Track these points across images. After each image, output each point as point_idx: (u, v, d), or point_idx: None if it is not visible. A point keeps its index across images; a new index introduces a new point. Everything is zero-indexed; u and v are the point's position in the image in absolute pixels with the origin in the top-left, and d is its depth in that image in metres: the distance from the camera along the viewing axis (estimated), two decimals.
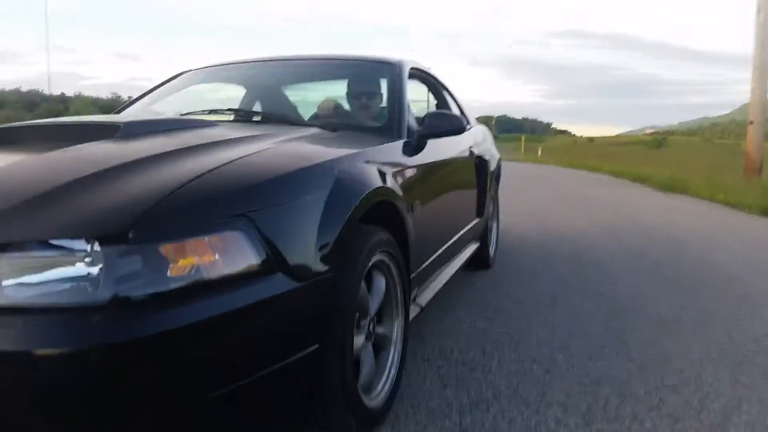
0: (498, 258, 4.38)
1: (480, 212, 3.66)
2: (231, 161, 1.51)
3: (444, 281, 2.88)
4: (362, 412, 1.72)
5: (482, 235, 3.88)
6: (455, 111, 3.76)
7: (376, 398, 1.88)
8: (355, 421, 1.69)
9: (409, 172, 2.29)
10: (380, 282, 1.96)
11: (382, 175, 1.96)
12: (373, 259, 1.85)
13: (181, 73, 3.21)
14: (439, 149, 2.81)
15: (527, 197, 9.15)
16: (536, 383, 2.27)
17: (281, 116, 2.50)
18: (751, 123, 11.73)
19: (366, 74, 2.96)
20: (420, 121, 2.66)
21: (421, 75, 3.43)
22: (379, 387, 1.94)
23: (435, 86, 3.61)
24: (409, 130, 2.52)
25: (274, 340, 1.40)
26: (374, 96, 2.80)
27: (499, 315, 3.11)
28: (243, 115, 2.50)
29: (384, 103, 2.73)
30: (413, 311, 2.37)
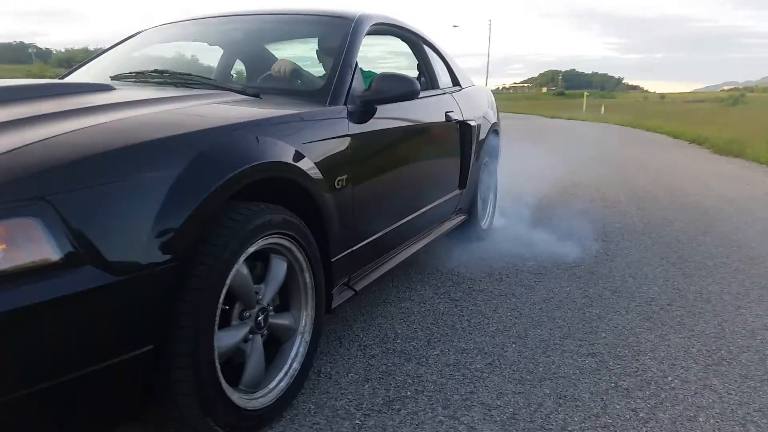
0: (494, 228, 4.09)
1: (462, 183, 3.38)
2: (52, 136, 1.32)
3: (400, 259, 2.66)
4: (231, 415, 1.56)
5: (469, 208, 3.60)
6: (439, 71, 3.44)
7: (263, 397, 1.71)
8: (221, 425, 1.53)
9: (339, 143, 2.06)
10: (279, 267, 1.77)
11: (282, 147, 1.74)
12: (261, 243, 1.65)
13: (139, 32, 3.04)
14: (395, 116, 2.55)
15: (565, 161, 8.63)
16: (469, 380, 2.05)
17: (202, 79, 2.29)
18: None
19: (316, 31, 2.71)
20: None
21: (395, 31, 3.14)
22: (273, 384, 1.77)
23: (415, 44, 3.30)
24: (353, 95, 2.28)
25: (85, 339, 1.24)
26: (321, 57, 2.55)
27: (467, 296, 2.87)
28: (168, 77, 2.31)
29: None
30: (344, 296, 2.17)
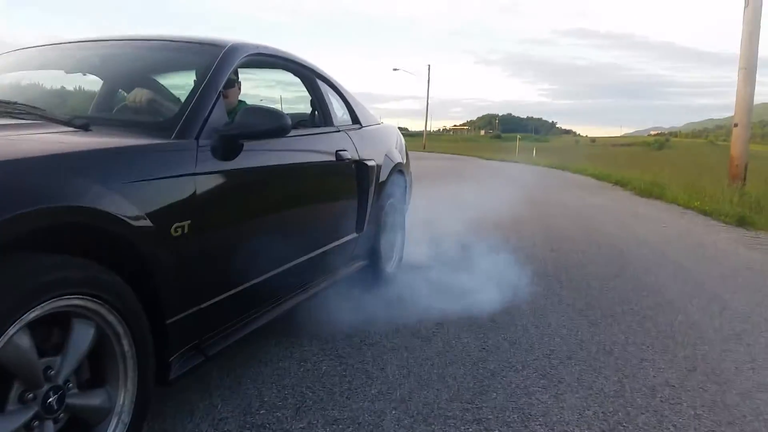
0: (403, 272, 3.85)
1: (360, 227, 3.14)
2: None
3: (273, 315, 2.36)
4: None
5: (370, 252, 3.36)
6: (336, 108, 3.23)
7: None
8: None
9: (180, 184, 1.78)
10: (83, 335, 1.46)
11: (87, 188, 1.44)
12: (51, 306, 1.34)
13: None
14: (270, 154, 2.30)
15: (489, 201, 8.59)
16: None
17: (29, 109, 1.97)
18: (736, 126, 11.10)
19: (192, 61, 2.45)
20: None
21: (282, 64, 2.92)
22: None
23: (307, 78, 3.09)
24: (212, 129, 2.01)
25: None
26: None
27: (356, 352, 2.60)
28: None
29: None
30: (189, 363, 1.86)
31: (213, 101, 2.08)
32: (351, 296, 3.17)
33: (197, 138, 1.93)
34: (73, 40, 2.67)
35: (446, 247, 4.64)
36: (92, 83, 2.96)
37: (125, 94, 2.60)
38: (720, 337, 3.00)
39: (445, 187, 7.73)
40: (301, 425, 1.96)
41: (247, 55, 2.45)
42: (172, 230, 1.71)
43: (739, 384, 2.43)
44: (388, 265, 3.67)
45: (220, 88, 2.17)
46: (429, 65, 52.24)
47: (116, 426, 1.55)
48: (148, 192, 1.65)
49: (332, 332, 2.79)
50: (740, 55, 10.99)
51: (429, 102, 51.16)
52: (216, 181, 1.94)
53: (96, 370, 1.55)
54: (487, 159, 27.23)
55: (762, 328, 3.17)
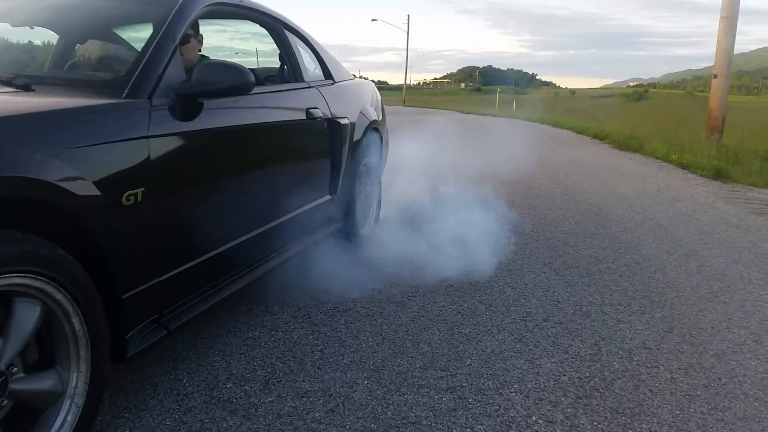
0: (378, 234, 3.76)
1: (333, 188, 3.03)
2: None
3: (243, 284, 2.27)
4: None
5: (345, 214, 3.25)
6: (307, 63, 3.08)
7: None
8: None
9: (132, 148, 1.65)
10: (27, 314, 1.35)
11: (17, 155, 1.31)
12: None
13: None
14: (232, 113, 2.16)
15: (469, 156, 8.48)
16: None
17: None
18: (715, 77, 11.03)
19: (150, 13, 2.27)
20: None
21: (247, 14, 2.74)
22: None
23: (276, 31, 2.92)
24: (168, 87, 1.86)
25: None
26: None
27: (329, 319, 2.53)
28: None
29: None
30: (150, 338, 1.76)
31: (168, 57, 1.93)
32: (325, 261, 3.08)
33: (150, 97, 1.79)
34: None
35: (425, 207, 4.54)
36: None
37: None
38: (696, 296, 2.99)
39: (430, 143, 7.57)
40: (270, 399, 1.90)
41: (207, 5, 2.28)
42: (124, 199, 1.59)
43: (715, 345, 2.42)
44: (363, 227, 3.58)
45: (177, 41, 2.01)
46: (408, 15, 51.09)
47: (69, 409, 1.47)
48: (95, 158, 1.53)
49: (304, 299, 2.71)
50: (722, 4, 10.85)
51: (409, 54, 50.27)
52: (172, 144, 1.81)
53: (45, 351, 1.45)
54: (466, 113, 26.98)
55: (738, 285, 3.17)
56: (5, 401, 1.32)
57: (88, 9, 2.39)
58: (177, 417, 1.78)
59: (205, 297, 2.06)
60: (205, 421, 1.77)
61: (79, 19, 2.43)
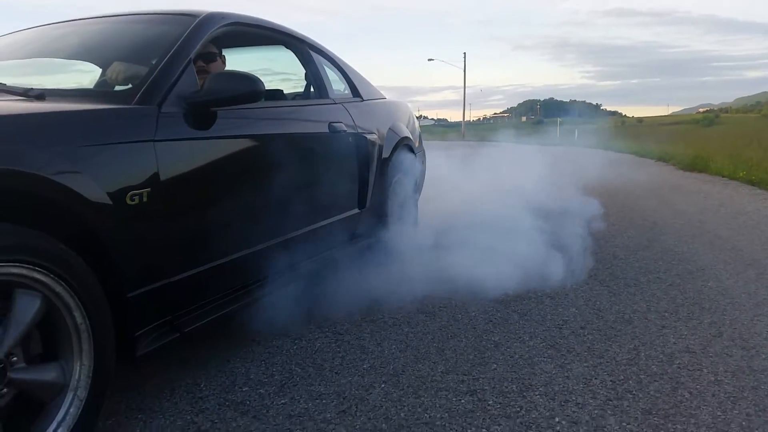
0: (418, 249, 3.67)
1: (362, 203, 3.02)
2: None
3: (267, 291, 2.26)
4: None
5: (377, 229, 3.22)
6: (333, 81, 3.12)
7: None
8: None
9: (137, 150, 1.69)
10: (27, 306, 1.39)
11: (18, 153, 1.37)
12: None
13: None
14: (243, 122, 2.20)
15: (526, 181, 8.27)
16: None
17: None
18: None
19: (158, 31, 2.37)
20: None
21: (272, 36, 2.83)
22: None
23: (300, 51, 2.98)
24: (179, 97, 1.93)
25: None
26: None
27: (355, 328, 2.49)
28: None
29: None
30: (161, 339, 1.77)
31: (181, 69, 2.00)
32: (355, 274, 3.04)
33: (160, 105, 1.84)
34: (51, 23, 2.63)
35: (469, 226, 4.44)
36: None
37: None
38: (753, 302, 2.77)
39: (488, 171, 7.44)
40: (283, 401, 1.87)
41: (225, 25, 2.36)
42: (128, 198, 1.63)
43: None
44: (398, 243, 3.53)
45: (191, 56, 2.08)
46: (465, 53, 51.60)
47: (71, 402, 1.48)
48: (100, 158, 1.58)
49: (332, 310, 2.68)
50: None
51: (467, 91, 50.56)
52: (181, 149, 1.86)
53: (49, 344, 1.48)
54: (524, 144, 26.65)
55: None
56: (4, 389, 1.35)
57: (114, 34, 2.51)
58: (189, 418, 1.77)
59: (221, 303, 2.07)
60: (216, 421, 1.75)
61: (106, 46, 2.55)
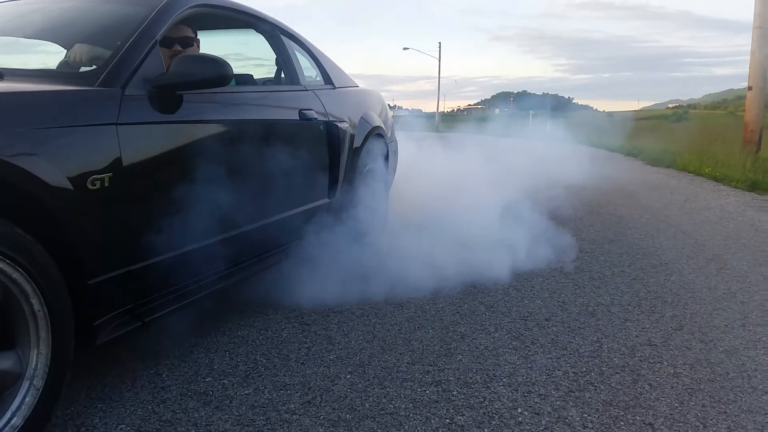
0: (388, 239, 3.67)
1: (332, 192, 3.00)
2: None
3: (231, 282, 2.24)
4: None
5: (347, 218, 3.20)
6: (304, 68, 3.08)
7: None
8: None
9: (98, 133, 1.65)
10: None
11: None
12: None
13: None
14: (209, 107, 2.16)
15: (499, 171, 8.31)
16: (272, 425, 1.65)
17: None
18: (750, 89, 10.73)
19: (118, 11, 2.30)
20: None
21: (243, 19, 2.77)
22: None
23: (272, 35, 2.93)
24: (144, 79, 1.88)
25: None
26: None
27: (322, 319, 2.48)
28: None
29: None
30: (121, 328, 1.74)
31: (146, 51, 1.95)
32: (323, 264, 3.03)
33: (124, 87, 1.80)
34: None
35: (435, 215, 4.45)
36: None
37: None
38: (713, 296, 2.84)
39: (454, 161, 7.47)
40: (247, 392, 1.85)
41: (192, 6, 2.30)
42: (89, 183, 1.58)
43: (727, 342, 2.28)
44: (368, 232, 3.52)
45: (157, 37, 2.03)
46: (440, 43, 51.59)
47: (27, 390, 1.45)
48: (60, 141, 1.53)
49: (298, 301, 2.65)
50: (755, 13, 10.56)
51: (442, 82, 50.57)
52: (144, 133, 1.82)
53: (5, 331, 1.44)
54: (497, 136, 26.80)
55: (759, 286, 3.00)
56: None
57: (78, 13, 2.44)
58: (150, 408, 1.74)
59: (185, 293, 2.03)
60: (177, 411, 1.73)
61: (71, 26, 2.47)
